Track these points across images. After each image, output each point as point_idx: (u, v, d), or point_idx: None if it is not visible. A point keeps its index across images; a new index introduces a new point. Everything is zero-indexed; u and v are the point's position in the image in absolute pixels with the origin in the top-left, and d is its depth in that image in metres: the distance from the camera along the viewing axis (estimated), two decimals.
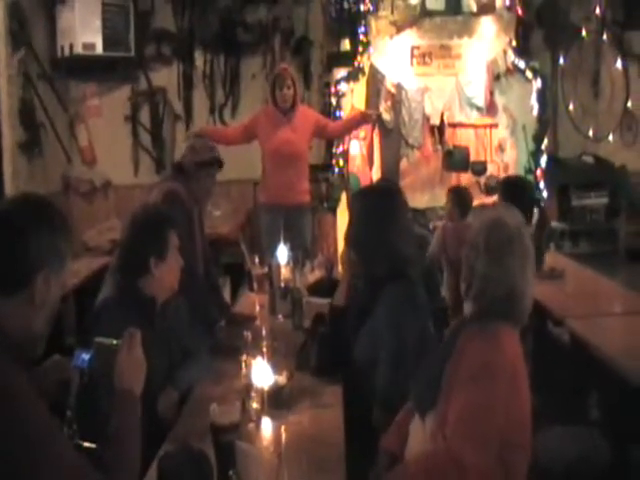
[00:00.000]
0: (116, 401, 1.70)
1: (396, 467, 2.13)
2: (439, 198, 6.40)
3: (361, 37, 6.24)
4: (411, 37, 6.29)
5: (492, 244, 2.07)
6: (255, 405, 2.32)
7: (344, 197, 6.12)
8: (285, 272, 3.69)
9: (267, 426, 2.28)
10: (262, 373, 2.39)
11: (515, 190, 4.00)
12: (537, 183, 6.33)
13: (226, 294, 5.08)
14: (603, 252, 6.48)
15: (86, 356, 1.74)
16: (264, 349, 2.65)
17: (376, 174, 6.39)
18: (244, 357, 2.54)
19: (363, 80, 6.29)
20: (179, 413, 2.44)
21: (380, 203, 2.84)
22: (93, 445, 1.67)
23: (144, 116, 6.75)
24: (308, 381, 2.63)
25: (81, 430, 1.67)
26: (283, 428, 2.07)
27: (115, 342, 1.75)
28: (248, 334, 2.72)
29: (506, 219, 2.13)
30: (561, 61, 6.81)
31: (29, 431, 1.44)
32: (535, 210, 4.40)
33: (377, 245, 2.71)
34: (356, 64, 6.24)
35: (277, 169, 5.04)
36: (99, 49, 6.03)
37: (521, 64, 6.40)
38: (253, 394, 2.34)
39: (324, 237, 6.30)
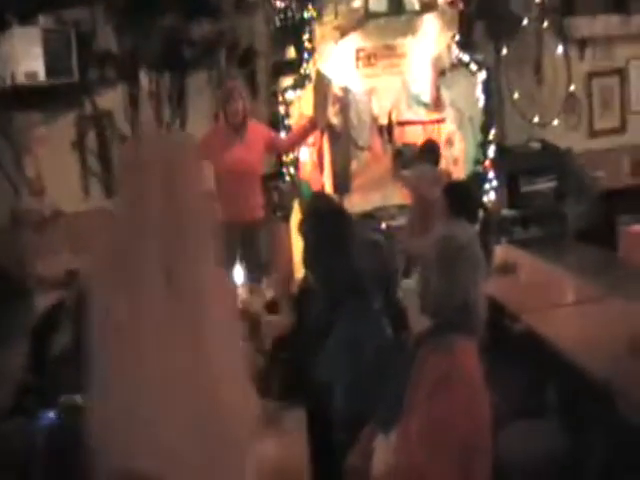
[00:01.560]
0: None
1: None
2: (391, 197, 6.46)
3: (306, 44, 6.26)
4: (355, 40, 6.34)
5: (443, 259, 2.15)
6: None
7: (296, 205, 6.13)
8: (242, 293, 3.70)
9: None
10: None
11: (459, 196, 4.06)
12: (486, 173, 6.43)
13: None
14: (553, 235, 6.56)
15: (50, 417, 1.62)
16: None
17: (327, 179, 6.42)
18: None
19: (310, 87, 6.31)
20: None
21: (328, 225, 2.91)
22: None
23: (91, 141, 6.66)
24: (270, 406, 2.62)
25: None
26: None
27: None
28: None
29: (455, 233, 2.21)
30: (504, 51, 6.89)
31: None
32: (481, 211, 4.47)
33: (331, 265, 2.78)
34: (302, 71, 6.27)
35: (230, 187, 4.97)
36: (41, 77, 5.95)
37: (465, 57, 6.48)
38: None
39: (278, 247, 6.25)
